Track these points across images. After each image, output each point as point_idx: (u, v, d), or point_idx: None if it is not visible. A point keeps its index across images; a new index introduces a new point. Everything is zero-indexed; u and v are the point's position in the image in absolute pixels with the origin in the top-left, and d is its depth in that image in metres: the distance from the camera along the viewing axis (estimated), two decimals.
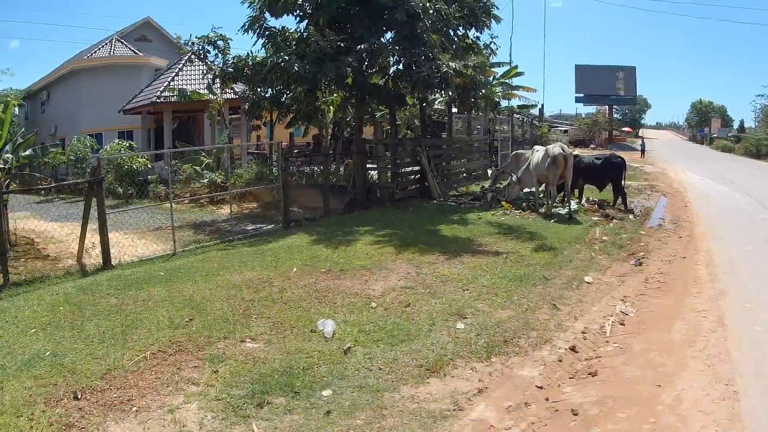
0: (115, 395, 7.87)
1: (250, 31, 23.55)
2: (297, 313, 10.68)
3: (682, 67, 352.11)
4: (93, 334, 9.98)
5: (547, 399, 7.43)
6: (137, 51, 51.14)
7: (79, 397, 7.78)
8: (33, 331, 10.45)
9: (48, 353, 9.26)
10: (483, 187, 28.04)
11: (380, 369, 8.35)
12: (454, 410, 7.22)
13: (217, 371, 8.42)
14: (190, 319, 10.45)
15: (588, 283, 12.73)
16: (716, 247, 16.83)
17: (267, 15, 23.58)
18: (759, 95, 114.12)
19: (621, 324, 10.10)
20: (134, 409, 7.53)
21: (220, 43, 25.55)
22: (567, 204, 20.91)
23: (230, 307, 11.03)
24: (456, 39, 25.14)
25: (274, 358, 8.78)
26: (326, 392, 7.70)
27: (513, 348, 9.05)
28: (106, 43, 51.83)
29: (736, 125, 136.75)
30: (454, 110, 34.10)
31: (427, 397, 7.57)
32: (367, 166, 25.71)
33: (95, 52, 51.26)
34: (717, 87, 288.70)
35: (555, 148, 20.56)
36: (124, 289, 12.70)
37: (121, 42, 52.05)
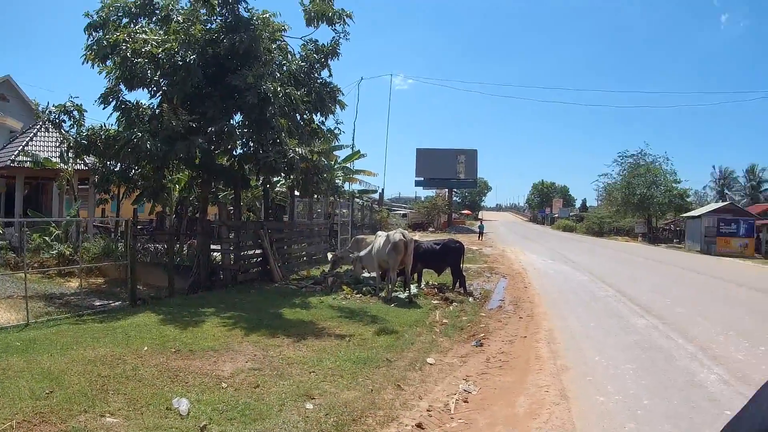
0: None
1: (105, 102, 23.74)
2: (152, 390, 10.81)
3: (524, 149, 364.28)
4: None
5: None
6: None
7: None
8: None
9: None
10: (323, 270, 28.42)
11: None
12: None
13: None
14: (50, 392, 10.44)
15: (430, 364, 13.20)
16: (557, 326, 17.80)
17: (123, 87, 23.75)
18: (602, 174, 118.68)
19: (465, 401, 10.61)
20: None
21: (75, 113, 25.53)
22: (407, 288, 21.47)
23: (87, 382, 11.05)
24: (302, 123, 25.83)
25: None
26: None
27: (361, 426, 9.41)
28: None
29: (578, 204, 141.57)
30: (297, 194, 34.56)
31: None
32: (211, 247, 25.84)
33: None
34: (559, 167, 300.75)
35: (396, 235, 21.17)
36: None
37: None
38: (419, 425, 9.44)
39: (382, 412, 10.06)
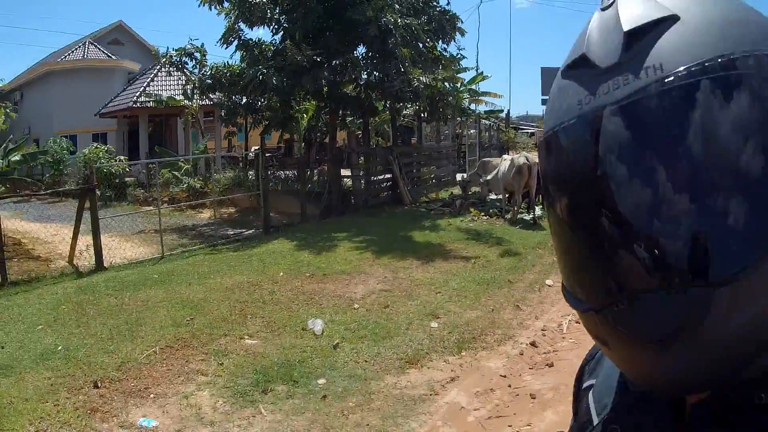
0: (132, 384, 8.68)
1: (226, 42, 24.38)
2: (288, 313, 11.65)
3: None
4: (100, 331, 10.77)
5: (509, 386, 8.48)
6: (110, 54, 51.13)
7: (99, 385, 8.55)
8: (40, 327, 11.18)
9: (60, 348, 10.02)
10: (452, 193, 28.92)
11: (366, 362, 9.39)
12: (430, 395, 8.29)
13: (222, 364, 9.35)
14: (191, 318, 11.30)
15: (549, 285, 13.62)
16: None
17: (242, 26, 24.37)
18: None
19: (577, 322, 11.10)
20: (152, 395, 8.38)
21: (197, 54, 26.28)
22: (532, 210, 21.79)
23: (227, 308, 11.91)
24: (425, 51, 25.87)
25: (272, 352, 9.73)
26: (321, 381, 8.72)
27: (481, 343, 10.07)
28: (79, 46, 51.86)
29: None
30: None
31: (408, 385, 8.63)
32: (341, 173, 26.52)
33: (69, 54, 51.34)
34: None
35: (520, 159, 21.30)
36: (122, 289, 13.47)
37: (95, 45, 51.87)
38: (533, 343, 10.07)
39: (501, 331, 10.69)
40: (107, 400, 8.28)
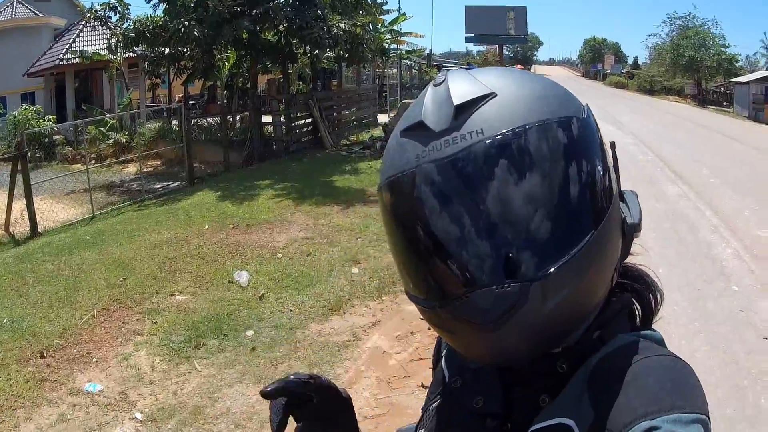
0: (75, 350, 8.85)
1: None
2: (214, 267, 11.87)
3: (575, 4, 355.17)
4: (41, 299, 10.76)
5: (429, 328, 8.90)
6: (37, 12, 50.28)
7: (45, 355, 8.68)
8: None
9: (5, 320, 10.00)
10: (372, 135, 29.29)
11: (291, 311, 9.75)
12: (354, 340, 8.75)
13: (156, 322, 9.59)
14: (124, 279, 11.38)
15: None
16: None
17: None
18: (650, 34, 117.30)
19: None
20: (94, 360, 8.58)
21: (119, 8, 26.07)
22: None
23: (156, 265, 12.03)
24: None
25: (202, 307, 10.01)
26: (249, 332, 9.09)
27: (400, 287, 10.33)
28: (8, 6, 50.41)
29: (630, 61, 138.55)
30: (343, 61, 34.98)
31: (332, 332, 9.04)
32: (263, 120, 26.64)
33: None
34: (611, 24, 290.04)
35: None
36: (58, 254, 13.37)
37: (22, 4, 51.03)
38: None
39: None
40: (54, 369, 8.43)
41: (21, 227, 17.40)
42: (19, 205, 17.14)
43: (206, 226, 14.69)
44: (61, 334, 9.35)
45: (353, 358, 8.27)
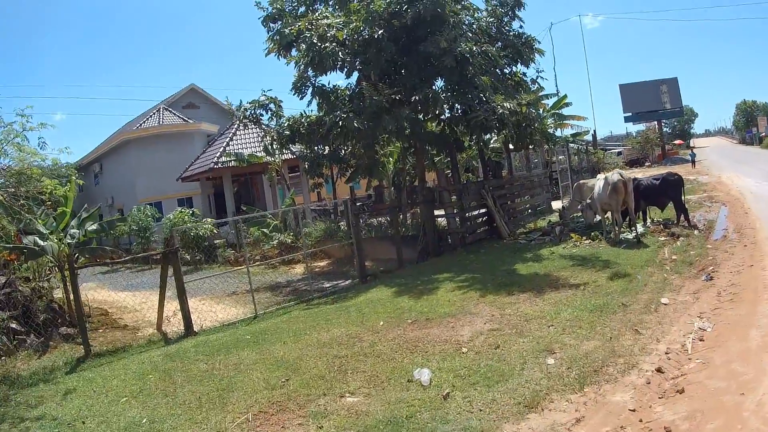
0: None
1: (299, 91, 24.27)
2: (391, 365, 11.13)
3: (723, 70, 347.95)
4: (189, 400, 10.49)
5: (640, 420, 7.81)
6: (186, 119, 52.34)
7: None
8: (124, 399, 11.03)
9: (144, 420, 9.80)
10: (549, 221, 28.31)
11: (480, 410, 8.77)
12: None
13: (322, 427, 8.86)
14: (286, 380, 10.90)
15: (665, 304, 12.99)
16: None
17: (311, 73, 24.16)
18: None
19: (701, 340, 10.39)
20: None
21: (272, 106, 26.17)
22: (633, 228, 21.12)
23: (324, 365, 11.47)
24: (504, 78, 25.58)
25: (376, 410, 9.19)
26: None
27: (603, 376, 9.43)
28: (154, 113, 53.32)
29: None
30: (511, 147, 34.37)
31: None
32: (435, 213, 26.01)
33: (144, 121, 52.79)
34: (760, 85, 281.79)
35: (614, 176, 20.86)
36: (212, 354, 13.23)
37: (169, 110, 53.34)
38: (659, 369, 9.39)
39: (623, 360, 10.02)
40: None
41: (175, 326, 17.32)
42: (173, 305, 17.05)
43: (381, 323, 14.10)
44: None
45: None
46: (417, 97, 23.16)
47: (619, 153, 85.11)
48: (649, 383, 9.07)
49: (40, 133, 15.51)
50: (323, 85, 24.44)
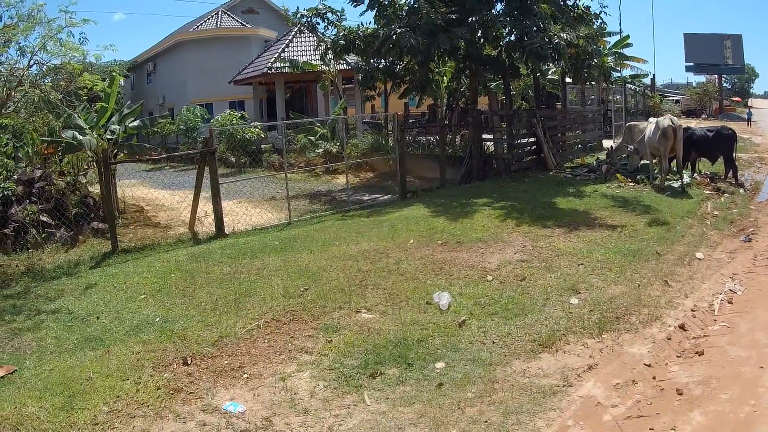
0: (226, 362, 8.33)
1: (356, 1, 24.03)
2: (413, 284, 10.99)
3: None
4: (205, 302, 10.50)
5: (654, 377, 7.57)
6: (244, 23, 51.96)
7: (189, 362, 8.26)
8: (142, 297, 11.07)
9: (158, 319, 9.84)
10: (598, 158, 27.88)
11: (493, 343, 8.64)
12: (563, 386, 7.51)
13: (331, 341, 8.82)
14: (305, 289, 10.84)
15: (699, 259, 12.71)
16: None
17: None
18: None
19: (729, 302, 10.09)
20: (245, 376, 7.99)
21: (329, 15, 25.82)
22: (680, 177, 20.75)
23: (346, 278, 11.37)
24: (566, 9, 25.08)
25: (389, 329, 9.11)
26: (439, 364, 8.07)
27: (624, 325, 9.22)
28: (213, 16, 53.02)
29: None
30: (568, 80, 33.87)
31: (538, 372, 7.87)
32: (483, 137, 25.69)
33: (201, 24, 52.67)
34: None
35: (664, 121, 20.40)
36: (238, 257, 13.22)
37: (228, 14, 52.90)
38: (682, 326, 9.13)
39: (647, 310, 9.80)
40: (194, 379, 7.94)
41: (206, 227, 17.29)
42: (210, 205, 16.85)
43: (411, 241, 13.94)
44: (215, 341, 8.96)
45: (560, 408, 7.02)
46: (474, 18, 22.72)
47: (677, 101, 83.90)
48: (670, 339, 8.83)
49: (83, 29, 15.35)
50: None
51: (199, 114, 41.63)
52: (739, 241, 14.46)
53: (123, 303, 10.82)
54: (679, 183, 20.37)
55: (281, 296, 10.52)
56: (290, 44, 40.43)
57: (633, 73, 52.03)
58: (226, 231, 16.62)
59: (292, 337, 9.01)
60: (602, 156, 27.47)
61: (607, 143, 32.99)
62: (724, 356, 8.03)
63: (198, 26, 52.50)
